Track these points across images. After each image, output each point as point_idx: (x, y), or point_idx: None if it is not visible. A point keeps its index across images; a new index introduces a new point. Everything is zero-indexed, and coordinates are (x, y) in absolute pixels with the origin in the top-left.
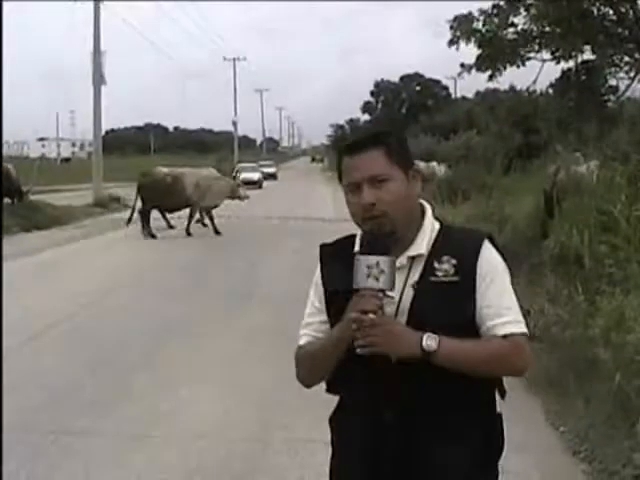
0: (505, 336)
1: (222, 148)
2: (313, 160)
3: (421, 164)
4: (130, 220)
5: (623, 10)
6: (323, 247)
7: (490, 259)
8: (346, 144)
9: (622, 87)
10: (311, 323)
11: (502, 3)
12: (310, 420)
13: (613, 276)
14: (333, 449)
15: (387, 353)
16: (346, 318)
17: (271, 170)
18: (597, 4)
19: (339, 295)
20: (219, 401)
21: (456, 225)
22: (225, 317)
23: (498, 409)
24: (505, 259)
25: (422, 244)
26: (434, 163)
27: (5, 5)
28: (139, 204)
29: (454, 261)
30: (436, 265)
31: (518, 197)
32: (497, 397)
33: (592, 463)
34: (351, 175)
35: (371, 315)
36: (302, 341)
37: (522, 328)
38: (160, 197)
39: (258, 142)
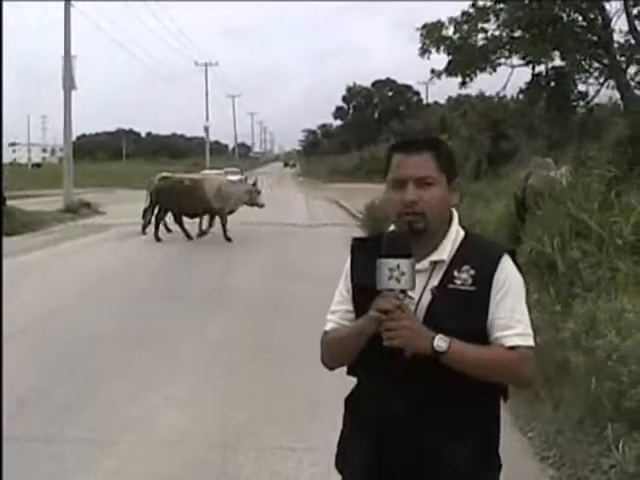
0: (512, 347)
1: (194, 154)
2: (286, 165)
3: None
4: (145, 228)
5: (592, 16)
6: (355, 241)
7: (507, 273)
8: (402, 141)
9: (592, 92)
10: (337, 311)
11: (472, 10)
12: (279, 427)
13: (585, 281)
14: (343, 427)
15: (402, 347)
16: (369, 314)
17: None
18: (567, 10)
19: (364, 290)
20: (188, 408)
21: (481, 236)
22: (196, 322)
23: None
24: (523, 275)
25: (445, 251)
26: None
27: None
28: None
29: (473, 271)
30: (455, 273)
31: (488, 202)
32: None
33: (561, 469)
34: (400, 172)
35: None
36: (328, 326)
37: (529, 342)
38: (179, 201)
39: (230, 148)
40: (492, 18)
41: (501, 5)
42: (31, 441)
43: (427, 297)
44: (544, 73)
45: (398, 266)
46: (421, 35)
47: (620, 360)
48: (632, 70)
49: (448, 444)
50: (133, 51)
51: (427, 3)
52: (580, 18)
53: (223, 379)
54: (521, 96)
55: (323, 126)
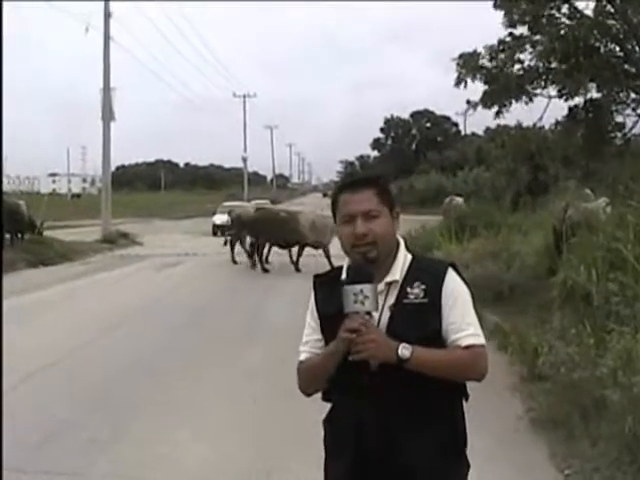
0: (467, 347)
1: (232, 184)
2: (325, 195)
3: (458, 199)
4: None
5: (629, 47)
6: (316, 277)
7: (454, 284)
8: (346, 182)
9: (629, 124)
10: (308, 341)
11: (508, 39)
12: (311, 463)
13: (621, 314)
14: (325, 448)
15: (369, 359)
16: (339, 336)
17: None
18: (603, 41)
19: (331, 317)
20: (217, 443)
21: (426, 257)
22: (229, 354)
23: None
24: (467, 284)
25: (397, 272)
26: (459, 198)
27: (14, 38)
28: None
29: (423, 286)
30: (409, 290)
31: (527, 234)
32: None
33: None
34: (348, 208)
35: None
36: (302, 357)
37: (481, 340)
38: (274, 232)
39: (268, 178)
40: (528, 48)
41: (537, 36)
42: (60, 475)
43: (386, 314)
44: (581, 105)
45: (361, 291)
46: (457, 64)
47: None
48: None
49: (415, 444)
50: (171, 83)
51: (465, 37)
52: (617, 49)
53: (253, 413)
54: (558, 127)
55: (361, 157)
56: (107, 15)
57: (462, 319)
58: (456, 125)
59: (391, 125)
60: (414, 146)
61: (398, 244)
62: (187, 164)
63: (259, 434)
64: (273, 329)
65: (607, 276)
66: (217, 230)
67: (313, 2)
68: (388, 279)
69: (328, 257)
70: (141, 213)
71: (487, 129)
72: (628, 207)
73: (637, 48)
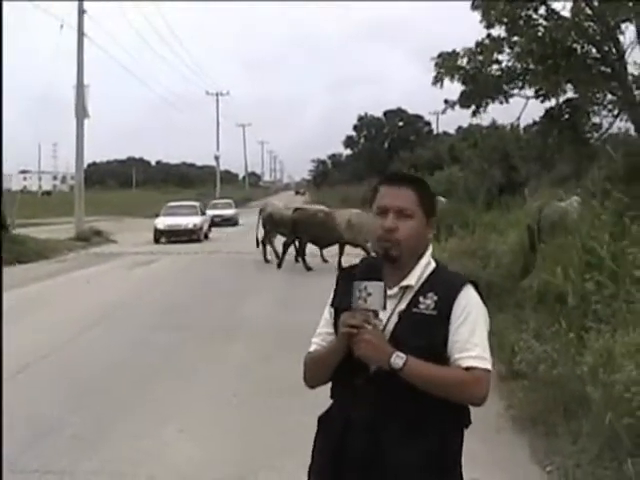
0: (468, 368)
1: (204, 182)
2: (297, 193)
3: (442, 199)
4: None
5: (606, 49)
6: (340, 270)
7: (467, 301)
8: (389, 174)
9: (605, 125)
10: (320, 333)
11: (487, 41)
12: (298, 460)
13: (599, 313)
14: (314, 448)
15: (365, 360)
16: (340, 332)
17: (227, 213)
18: (580, 42)
19: (343, 311)
20: (203, 441)
21: (449, 269)
22: (209, 353)
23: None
24: (485, 303)
25: (413, 277)
26: (442, 198)
27: None
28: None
29: (436, 297)
30: (421, 299)
31: (501, 233)
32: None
33: None
34: (384, 201)
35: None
36: (311, 348)
37: (486, 365)
38: (314, 232)
39: (240, 176)
40: (507, 49)
41: (515, 38)
42: (47, 473)
43: (394, 319)
44: (557, 106)
45: (365, 287)
46: (436, 64)
47: (639, 394)
48: None
49: (402, 452)
50: (145, 80)
51: (445, 36)
52: (594, 50)
53: (238, 410)
54: (535, 128)
55: (333, 156)
56: (81, 12)
57: (468, 338)
58: (429, 124)
59: (364, 123)
60: (387, 145)
61: (425, 251)
62: (159, 162)
63: (245, 431)
64: (253, 326)
65: (583, 276)
66: (160, 236)
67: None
68: (403, 283)
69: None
70: (113, 211)
71: (459, 128)
72: (602, 207)
73: (614, 50)
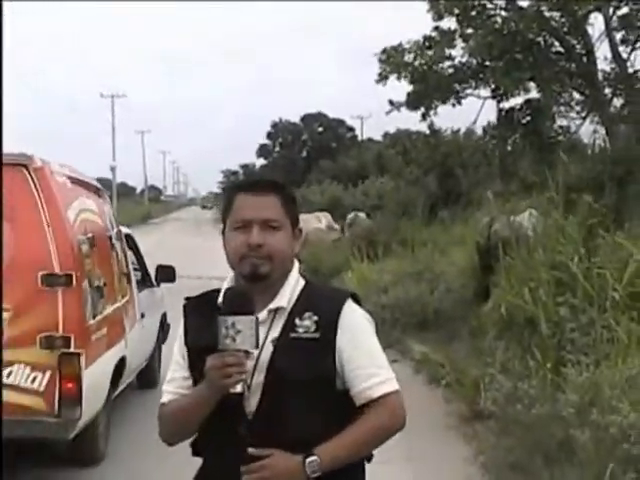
0: (380, 397)
1: None
2: (204, 208)
3: (361, 215)
4: None
5: (571, 42)
6: (188, 301)
7: (353, 318)
8: (246, 181)
9: (573, 128)
10: (174, 379)
11: (435, 34)
12: None
13: (576, 343)
14: None
15: None
16: (206, 379)
17: None
18: (543, 35)
19: (202, 352)
20: None
21: (322, 284)
22: None
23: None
24: (372, 316)
25: (284, 298)
26: (361, 213)
27: None
28: None
29: (316, 317)
30: (297, 321)
31: (445, 252)
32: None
33: None
34: (245, 213)
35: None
36: (165, 398)
37: (395, 385)
38: None
39: (139, 190)
40: (460, 44)
41: (469, 30)
42: None
43: (268, 349)
44: (519, 106)
45: (233, 324)
46: (380, 60)
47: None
48: (618, 102)
49: None
50: (35, 85)
51: (376, 35)
52: (558, 44)
53: None
54: (490, 132)
55: (245, 166)
56: None
57: (371, 362)
58: (352, 130)
59: (279, 129)
60: (305, 153)
61: (291, 267)
62: None
63: None
64: None
65: (555, 298)
66: None
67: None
68: (272, 306)
69: None
70: None
71: (386, 134)
72: (566, 219)
73: (581, 43)
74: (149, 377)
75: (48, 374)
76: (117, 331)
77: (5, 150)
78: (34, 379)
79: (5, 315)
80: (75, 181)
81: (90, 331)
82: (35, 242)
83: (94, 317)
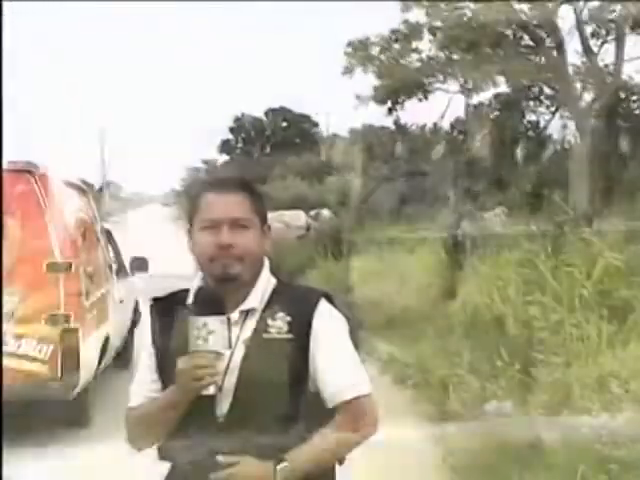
0: (352, 400)
1: None
2: (166, 205)
3: (325, 212)
4: None
5: (540, 35)
6: (155, 301)
7: (326, 318)
8: (213, 179)
9: (542, 123)
10: (142, 381)
11: (402, 27)
12: None
13: (546, 342)
14: None
15: None
16: (177, 382)
17: None
18: (512, 27)
19: (171, 354)
20: None
21: (295, 283)
22: None
23: None
24: (347, 317)
25: (255, 298)
26: (325, 210)
27: None
28: None
29: (288, 318)
30: (269, 322)
31: (412, 250)
32: None
33: None
34: (212, 212)
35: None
36: (133, 402)
37: (367, 388)
38: None
39: (96, 187)
40: (427, 37)
41: (437, 23)
42: None
43: (240, 351)
44: (487, 101)
45: (205, 324)
46: (346, 53)
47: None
48: (588, 97)
49: None
50: None
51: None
52: (527, 37)
53: None
54: (457, 128)
55: (207, 162)
56: None
57: (343, 365)
58: (317, 125)
59: (242, 124)
60: (269, 149)
61: (262, 267)
62: None
63: None
64: None
65: (524, 297)
66: None
67: None
68: (244, 307)
69: None
70: None
71: (352, 130)
72: (534, 216)
73: (550, 36)
74: (123, 358)
75: (52, 346)
76: (104, 313)
77: (12, 158)
78: (40, 350)
79: (16, 297)
80: (69, 184)
81: (86, 310)
82: (40, 236)
83: (87, 299)
